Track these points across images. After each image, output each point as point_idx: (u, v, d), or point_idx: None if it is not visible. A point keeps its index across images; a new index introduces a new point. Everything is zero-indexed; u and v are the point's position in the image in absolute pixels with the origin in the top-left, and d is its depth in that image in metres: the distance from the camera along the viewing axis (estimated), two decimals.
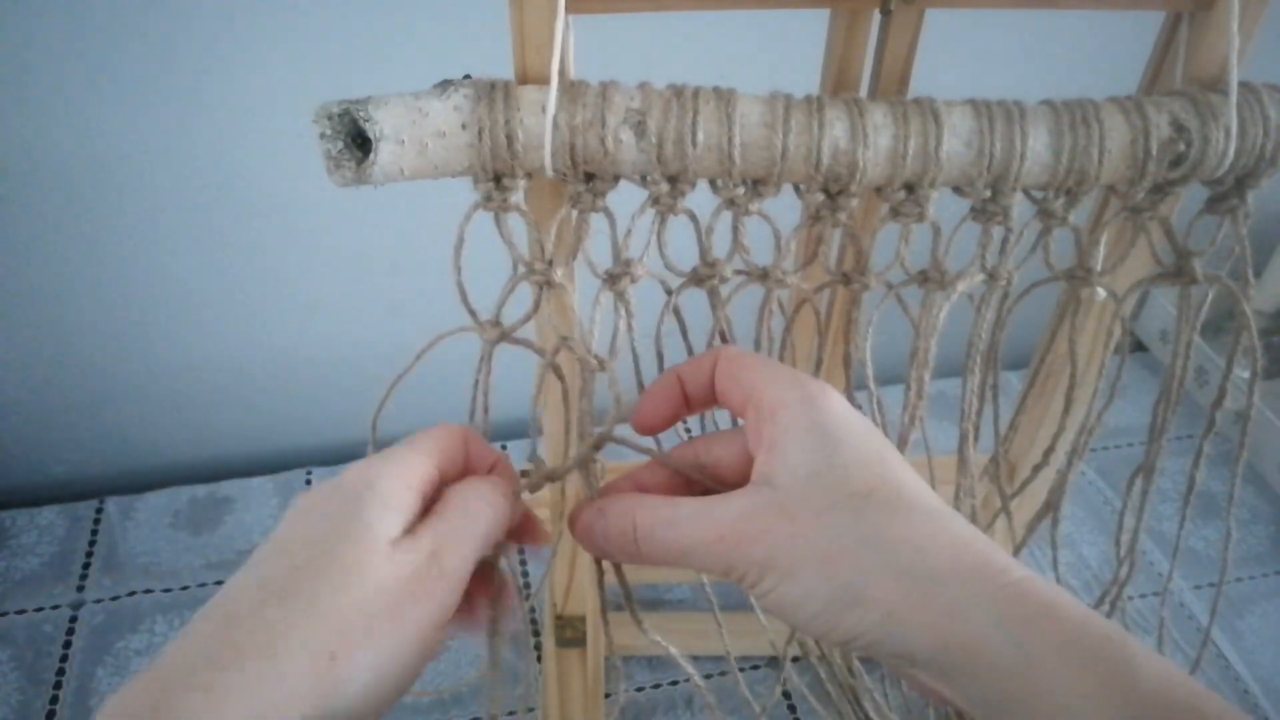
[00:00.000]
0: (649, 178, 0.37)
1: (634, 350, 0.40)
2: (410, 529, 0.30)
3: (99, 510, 0.81)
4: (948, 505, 0.31)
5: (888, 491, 0.30)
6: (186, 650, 0.26)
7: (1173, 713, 0.25)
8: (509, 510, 0.33)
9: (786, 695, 0.70)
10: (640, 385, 0.39)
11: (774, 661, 0.72)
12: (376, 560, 0.28)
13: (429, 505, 0.31)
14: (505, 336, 0.39)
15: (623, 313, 0.40)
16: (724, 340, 0.41)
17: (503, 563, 0.35)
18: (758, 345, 0.42)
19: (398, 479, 0.30)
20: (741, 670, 0.71)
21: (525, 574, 0.78)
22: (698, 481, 0.35)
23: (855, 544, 0.29)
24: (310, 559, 0.27)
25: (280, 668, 0.25)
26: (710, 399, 0.35)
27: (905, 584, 0.28)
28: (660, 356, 0.41)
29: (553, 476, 0.37)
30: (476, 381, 0.39)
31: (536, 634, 0.73)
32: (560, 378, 0.40)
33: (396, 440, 0.32)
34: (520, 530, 0.36)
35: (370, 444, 0.35)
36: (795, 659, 0.65)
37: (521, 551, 0.38)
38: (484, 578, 0.34)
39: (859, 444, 0.31)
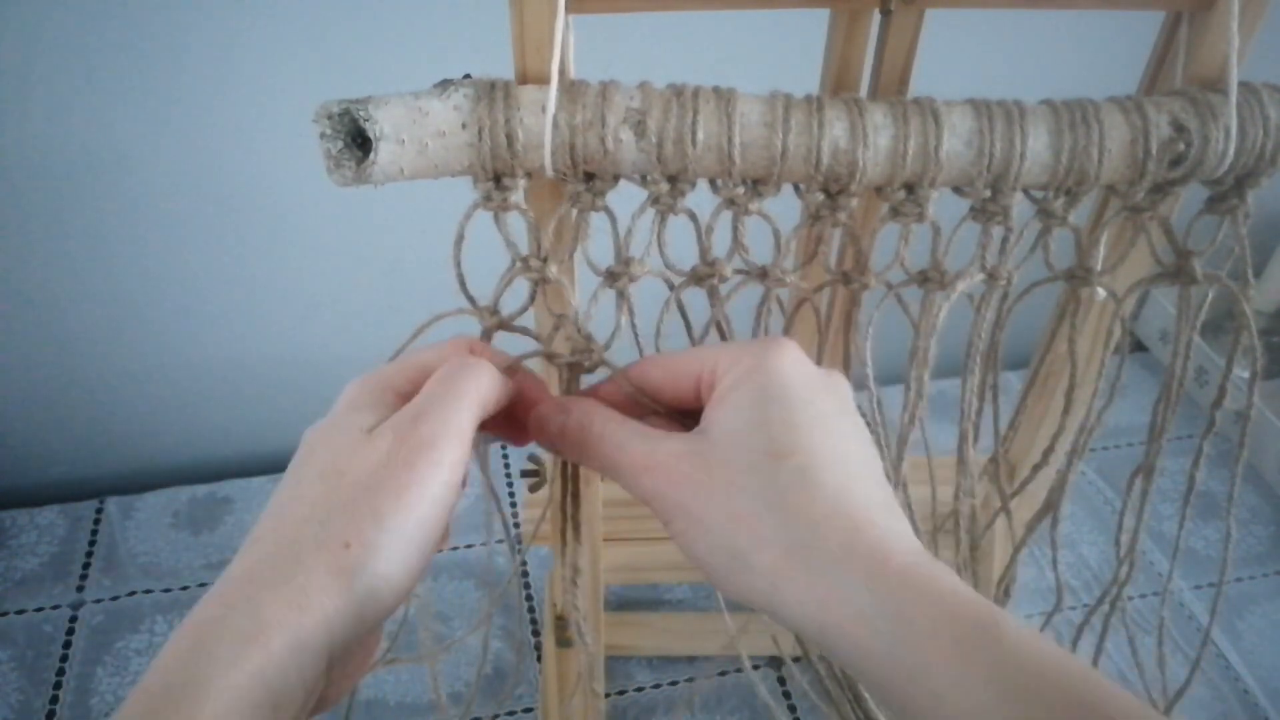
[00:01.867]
0: (649, 177, 0.37)
1: (639, 347, 0.40)
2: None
3: (99, 510, 0.81)
4: (872, 479, 0.31)
5: (802, 459, 0.30)
6: (231, 572, 0.29)
7: (1042, 684, 0.26)
8: (487, 364, 0.34)
9: (787, 695, 0.70)
10: None
11: (774, 661, 0.72)
12: (352, 450, 0.30)
13: None
14: (503, 324, 0.39)
15: (624, 310, 0.40)
16: (722, 337, 0.41)
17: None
18: None
19: (363, 385, 0.33)
20: (740, 671, 0.71)
21: (525, 574, 0.78)
22: (652, 412, 0.35)
23: (759, 508, 0.29)
24: (304, 476, 0.31)
25: (311, 563, 0.28)
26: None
27: (793, 559, 0.29)
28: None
29: (514, 367, 0.37)
30: None
31: (536, 634, 0.73)
32: (557, 366, 0.40)
33: None
34: (524, 397, 0.37)
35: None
36: (795, 659, 0.65)
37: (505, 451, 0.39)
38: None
39: (794, 406, 0.31)
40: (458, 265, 0.37)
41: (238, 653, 0.27)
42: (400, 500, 0.29)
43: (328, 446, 0.31)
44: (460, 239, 0.37)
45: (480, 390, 0.33)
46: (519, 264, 0.38)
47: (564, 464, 0.41)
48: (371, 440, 0.30)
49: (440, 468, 0.30)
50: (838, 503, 0.30)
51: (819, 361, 0.45)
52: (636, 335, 0.40)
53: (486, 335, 0.39)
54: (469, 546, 0.78)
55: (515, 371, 0.36)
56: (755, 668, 0.71)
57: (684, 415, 0.35)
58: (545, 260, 0.38)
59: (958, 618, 0.27)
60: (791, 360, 0.32)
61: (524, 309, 0.40)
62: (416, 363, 0.34)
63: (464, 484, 0.32)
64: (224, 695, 0.26)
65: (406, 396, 0.33)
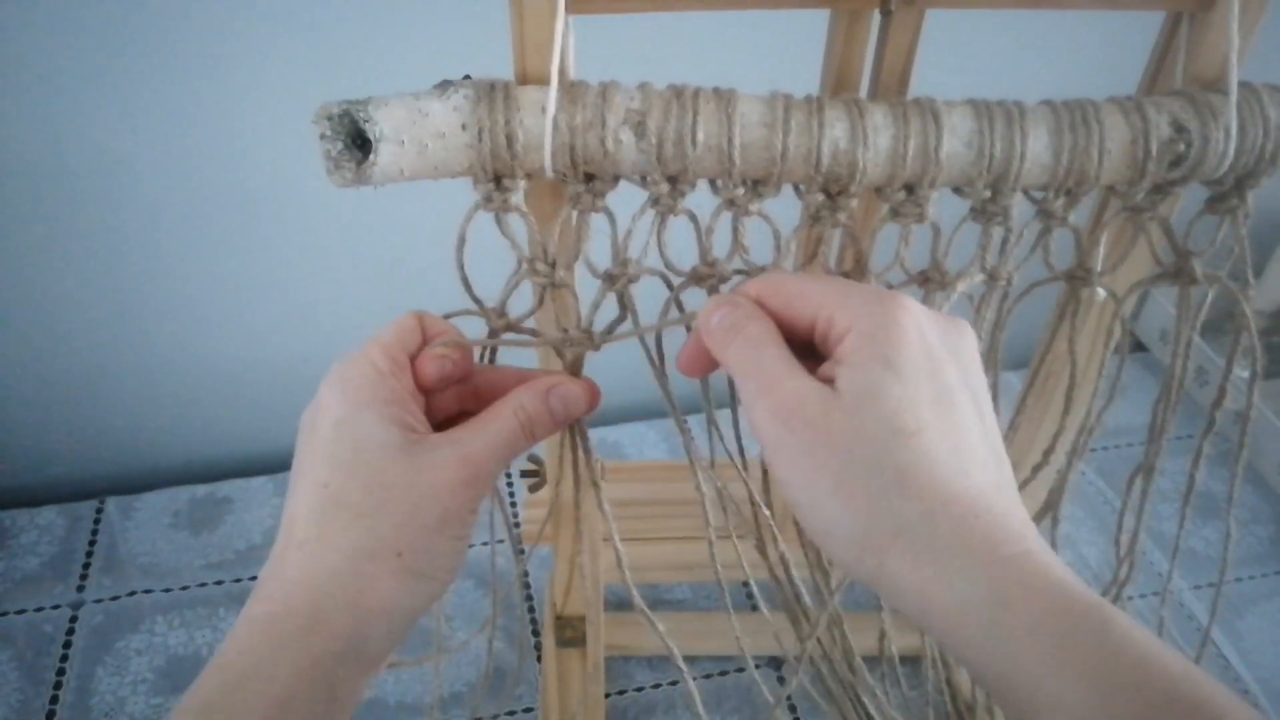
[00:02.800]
0: (649, 178, 0.37)
1: (644, 348, 0.40)
2: (408, 423, 0.34)
3: (99, 510, 0.81)
4: (991, 457, 0.31)
5: (923, 440, 0.29)
6: (286, 574, 0.32)
7: (1146, 680, 0.26)
8: (544, 434, 0.37)
9: (787, 695, 0.70)
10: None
11: (774, 661, 0.72)
12: (394, 464, 0.33)
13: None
14: (511, 327, 0.39)
15: (626, 312, 0.40)
16: None
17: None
18: None
19: (360, 371, 0.34)
20: (740, 671, 0.71)
21: (525, 574, 0.78)
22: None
23: (874, 484, 0.29)
24: (341, 481, 0.33)
25: (371, 568, 0.32)
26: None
27: (902, 542, 0.29)
28: (661, 354, 0.41)
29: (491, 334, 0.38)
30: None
31: (536, 634, 0.73)
32: (562, 358, 0.40)
33: None
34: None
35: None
36: (797, 658, 0.65)
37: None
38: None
39: (918, 380, 0.30)
40: (460, 268, 0.37)
41: (305, 640, 0.30)
42: (442, 521, 0.33)
43: (357, 454, 0.33)
44: (462, 242, 0.37)
45: (520, 451, 0.36)
46: (525, 267, 0.38)
47: (574, 464, 0.41)
48: (417, 464, 0.33)
49: (473, 501, 0.34)
50: (953, 488, 0.29)
51: None
52: (640, 337, 0.40)
53: (494, 336, 0.39)
54: (469, 546, 0.78)
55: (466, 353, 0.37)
56: (756, 668, 0.71)
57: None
58: (554, 265, 0.38)
59: (1063, 610, 0.27)
60: (916, 324, 0.31)
61: (531, 312, 0.40)
62: (393, 342, 0.36)
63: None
64: (290, 683, 0.29)
65: (397, 377, 0.35)
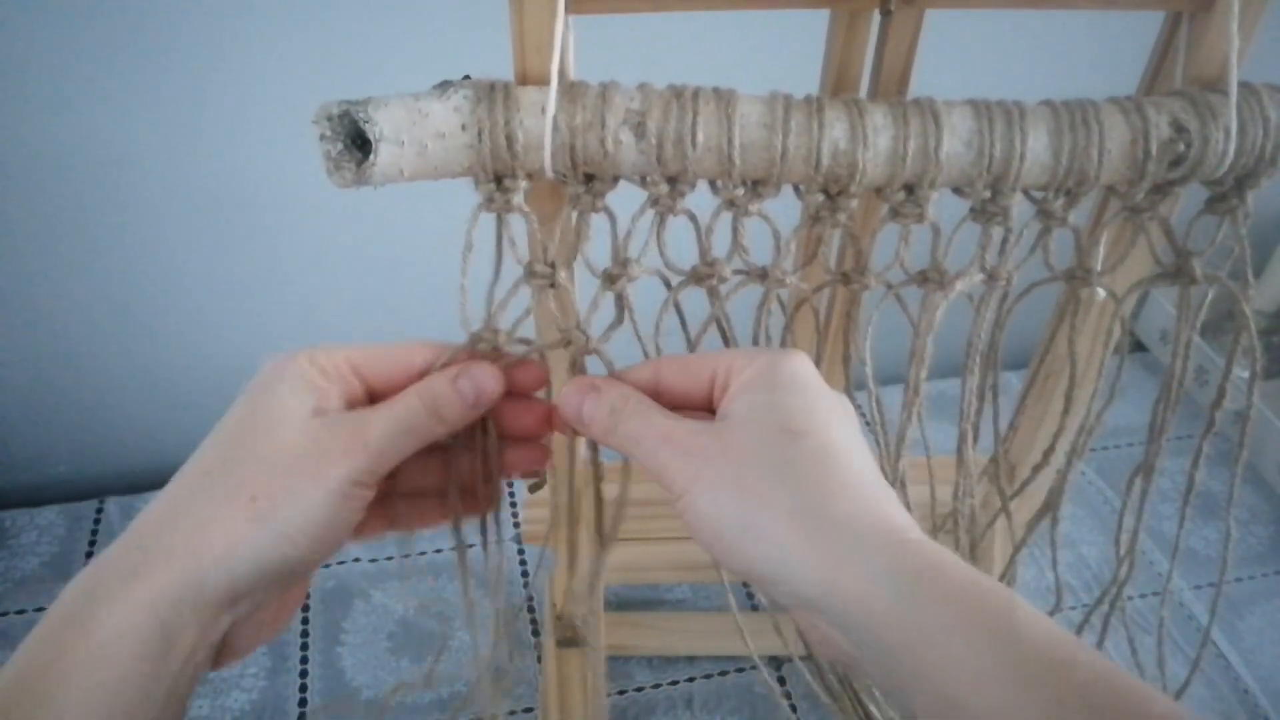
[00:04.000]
0: (649, 178, 0.37)
1: (644, 348, 0.40)
2: (326, 408, 0.33)
3: (99, 510, 0.81)
4: (877, 473, 0.32)
5: (819, 439, 0.31)
6: (151, 508, 0.32)
7: (1054, 664, 0.26)
8: (454, 416, 0.35)
9: (787, 695, 0.70)
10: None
11: (775, 661, 0.72)
12: (289, 428, 0.32)
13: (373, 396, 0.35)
14: (511, 339, 0.38)
15: (625, 311, 0.40)
16: (724, 338, 0.41)
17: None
18: (756, 344, 0.42)
19: (327, 353, 0.34)
20: (740, 671, 0.71)
21: (525, 574, 0.78)
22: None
23: (770, 477, 0.31)
24: (234, 429, 0.33)
25: (213, 510, 0.30)
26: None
27: (804, 524, 0.30)
28: (660, 354, 0.41)
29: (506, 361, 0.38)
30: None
31: (536, 634, 0.73)
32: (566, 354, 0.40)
33: None
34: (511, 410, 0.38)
35: None
36: (803, 658, 0.65)
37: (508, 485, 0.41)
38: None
39: (807, 395, 0.32)
40: (464, 279, 0.37)
41: (128, 585, 0.29)
42: (313, 479, 0.31)
43: (254, 414, 0.33)
44: (469, 247, 0.36)
45: (429, 435, 0.34)
46: (525, 272, 0.38)
47: (580, 465, 0.41)
48: (308, 426, 0.32)
49: (356, 469, 0.32)
50: (850, 478, 0.31)
51: (818, 362, 0.46)
52: (638, 335, 0.40)
53: (490, 351, 0.38)
54: (470, 546, 0.78)
55: (507, 365, 0.37)
56: (756, 668, 0.71)
57: (696, 414, 0.35)
58: (554, 266, 0.38)
59: (971, 586, 0.28)
60: (804, 362, 0.34)
61: (527, 313, 0.39)
62: (386, 353, 0.35)
63: (372, 492, 0.33)
64: (111, 623, 0.28)
65: (362, 377, 0.34)
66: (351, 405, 0.34)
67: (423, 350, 0.36)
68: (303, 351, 0.34)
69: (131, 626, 0.28)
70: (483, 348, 0.37)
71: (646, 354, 0.41)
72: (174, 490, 0.32)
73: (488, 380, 0.36)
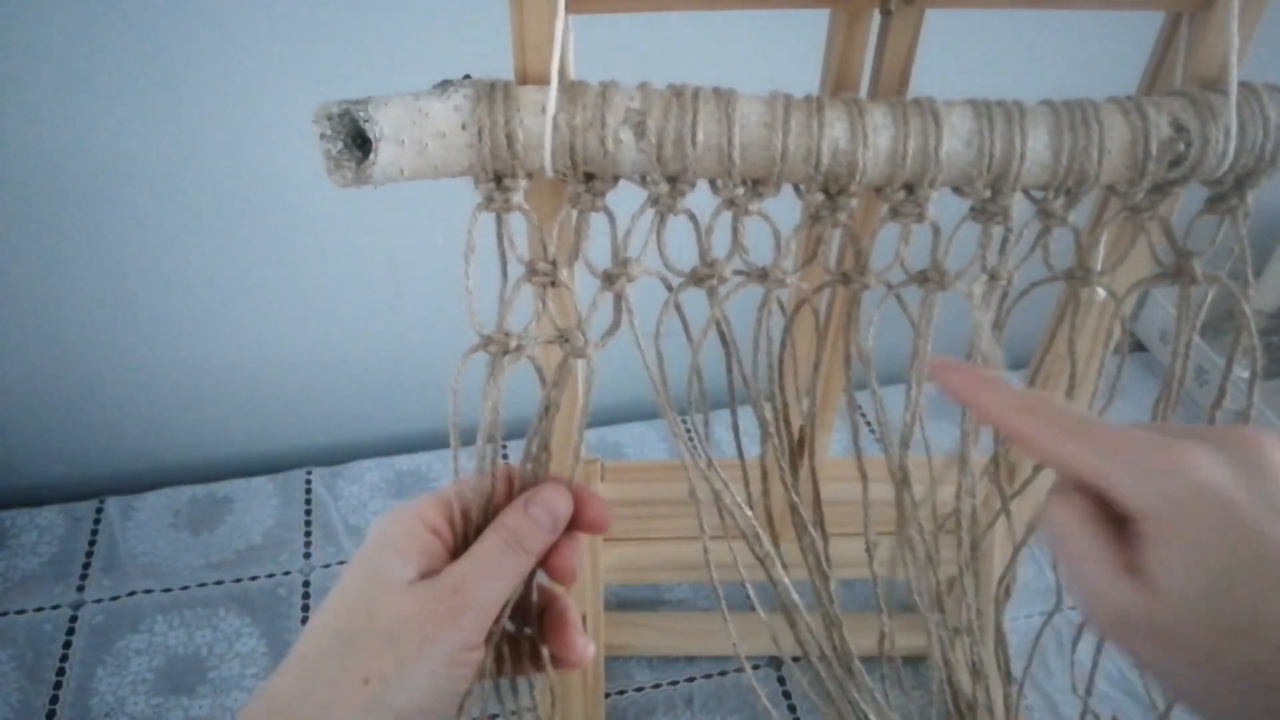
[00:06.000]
0: (649, 178, 0.37)
1: (645, 349, 0.40)
2: (434, 569, 0.35)
3: (99, 510, 0.81)
4: None
5: (1265, 633, 0.27)
6: (276, 686, 0.33)
7: None
8: (538, 545, 0.36)
9: (787, 695, 0.70)
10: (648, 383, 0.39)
11: (774, 661, 0.72)
12: (394, 600, 0.33)
13: (465, 541, 0.37)
14: (520, 347, 0.38)
15: (625, 312, 0.39)
16: (724, 339, 0.41)
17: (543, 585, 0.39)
18: (756, 345, 0.42)
19: (398, 519, 0.35)
20: (740, 671, 0.71)
21: None
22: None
23: (1241, 686, 0.27)
24: (337, 609, 0.34)
25: (331, 695, 0.32)
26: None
27: None
28: (660, 355, 0.41)
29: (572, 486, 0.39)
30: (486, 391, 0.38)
31: None
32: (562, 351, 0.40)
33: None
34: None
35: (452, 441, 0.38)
36: (795, 659, 0.65)
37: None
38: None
39: (1259, 568, 0.27)
40: (467, 280, 0.36)
41: None
42: (421, 651, 0.33)
43: (363, 586, 0.34)
44: (471, 248, 0.36)
45: (520, 570, 0.36)
46: (526, 271, 0.38)
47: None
48: (411, 595, 0.34)
49: (463, 632, 0.34)
50: None
51: (818, 362, 0.45)
52: (638, 338, 0.40)
53: (499, 363, 0.38)
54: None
55: (573, 490, 0.38)
56: (755, 668, 0.71)
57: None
58: (555, 264, 0.38)
59: None
60: (1212, 488, 0.28)
61: (536, 317, 0.39)
62: (449, 498, 0.36)
63: (487, 644, 0.35)
64: None
65: (439, 531, 0.36)
66: (454, 555, 0.36)
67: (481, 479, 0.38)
68: (410, 508, 0.36)
69: None
70: (493, 350, 0.38)
71: (647, 355, 0.41)
72: (296, 668, 0.33)
73: (558, 501, 0.37)
